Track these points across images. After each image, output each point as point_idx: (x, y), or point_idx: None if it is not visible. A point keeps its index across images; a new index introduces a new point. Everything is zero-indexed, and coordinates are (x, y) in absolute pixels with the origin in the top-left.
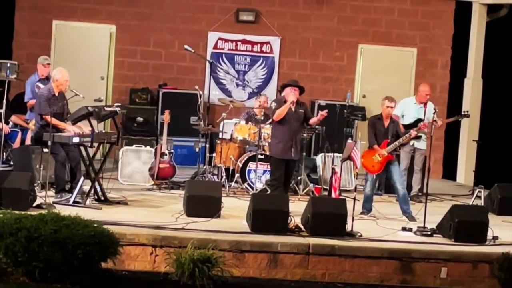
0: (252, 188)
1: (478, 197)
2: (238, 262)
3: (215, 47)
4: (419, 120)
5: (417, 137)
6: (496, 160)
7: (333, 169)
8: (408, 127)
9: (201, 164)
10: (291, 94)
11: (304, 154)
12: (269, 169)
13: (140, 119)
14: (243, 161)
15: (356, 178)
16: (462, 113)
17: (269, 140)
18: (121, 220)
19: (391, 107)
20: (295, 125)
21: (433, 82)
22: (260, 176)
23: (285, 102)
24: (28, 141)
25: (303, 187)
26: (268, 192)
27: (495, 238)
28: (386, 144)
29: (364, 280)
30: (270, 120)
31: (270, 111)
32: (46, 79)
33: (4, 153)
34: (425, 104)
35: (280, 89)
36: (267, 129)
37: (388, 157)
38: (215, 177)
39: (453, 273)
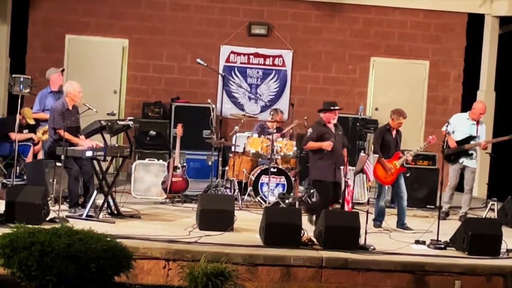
0: (265, 201)
1: (492, 209)
2: (251, 276)
3: (227, 60)
4: (471, 138)
5: (468, 154)
6: (510, 172)
7: (346, 182)
8: (460, 143)
9: (214, 177)
10: (329, 145)
11: None
12: (284, 183)
13: (152, 132)
14: (256, 174)
15: (369, 191)
16: None
17: (282, 153)
18: (134, 234)
19: (403, 123)
20: (338, 149)
21: (446, 94)
22: (272, 189)
23: (324, 125)
24: (40, 155)
25: (315, 200)
26: (281, 206)
27: (508, 251)
28: (398, 156)
29: None
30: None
31: (304, 138)
32: (58, 93)
33: (18, 168)
34: (478, 122)
35: (319, 111)
36: (279, 142)
37: (400, 169)
38: (228, 190)
39: (467, 286)
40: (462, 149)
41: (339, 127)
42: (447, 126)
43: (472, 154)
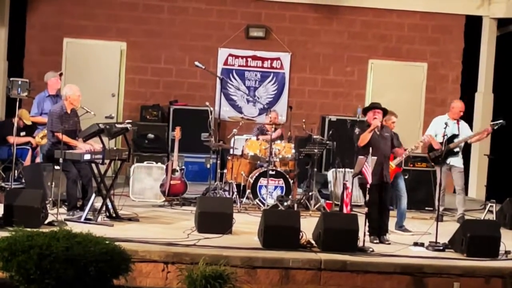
0: (264, 204)
1: (490, 211)
2: (250, 278)
3: (225, 63)
4: (454, 136)
5: (454, 153)
6: (508, 174)
7: (344, 184)
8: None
9: (212, 180)
10: (375, 118)
11: (316, 169)
12: (282, 185)
13: (151, 135)
14: (254, 177)
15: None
16: (497, 122)
17: (280, 156)
18: (132, 236)
19: (395, 122)
20: (384, 149)
21: (444, 96)
22: (271, 192)
23: (368, 126)
24: (38, 159)
25: (314, 202)
26: (279, 208)
27: (507, 252)
28: (392, 157)
29: None
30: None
31: (355, 137)
32: (56, 96)
33: (16, 171)
34: (458, 121)
35: (363, 113)
36: (277, 145)
37: (395, 169)
38: (226, 193)
39: None
40: (448, 148)
41: (386, 129)
42: (445, 128)
43: (458, 153)
